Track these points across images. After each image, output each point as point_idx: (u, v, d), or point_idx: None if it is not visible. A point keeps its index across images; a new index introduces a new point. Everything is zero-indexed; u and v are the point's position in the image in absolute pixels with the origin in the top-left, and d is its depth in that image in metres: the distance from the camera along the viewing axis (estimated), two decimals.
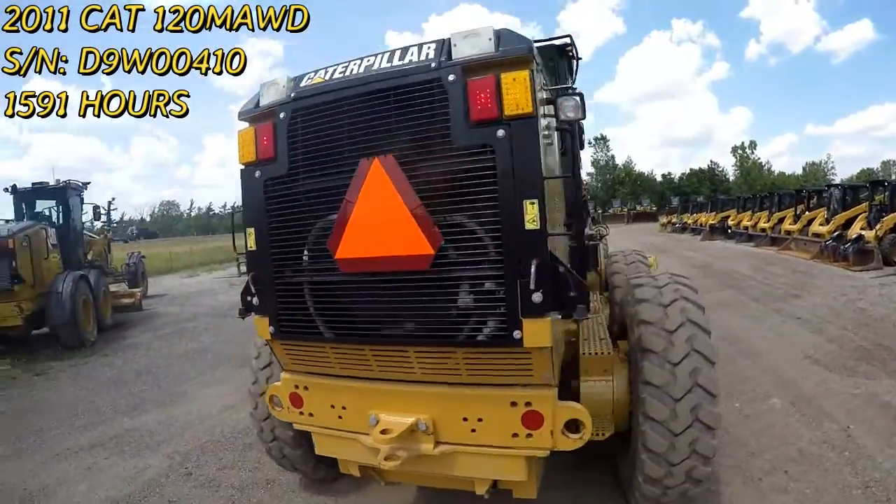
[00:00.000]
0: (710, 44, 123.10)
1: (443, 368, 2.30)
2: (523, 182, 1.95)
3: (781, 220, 18.72)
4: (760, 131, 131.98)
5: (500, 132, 1.96)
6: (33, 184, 11.57)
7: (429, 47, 2.15)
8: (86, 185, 12.46)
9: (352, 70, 2.30)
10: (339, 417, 2.65)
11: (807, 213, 17.25)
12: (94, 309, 10.78)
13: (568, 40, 5.13)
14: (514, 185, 1.96)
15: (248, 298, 2.71)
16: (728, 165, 78.00)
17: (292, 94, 2.43)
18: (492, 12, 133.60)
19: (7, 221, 10.51)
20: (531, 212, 1.93)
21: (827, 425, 4.18)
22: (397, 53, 2.22)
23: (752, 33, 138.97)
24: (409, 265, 2.13)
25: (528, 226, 1.94)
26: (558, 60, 5.19)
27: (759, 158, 77.84)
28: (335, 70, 2.37)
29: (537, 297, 1.95)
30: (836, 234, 14.09)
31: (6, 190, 11.19)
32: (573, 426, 2.24)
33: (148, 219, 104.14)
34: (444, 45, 2.11)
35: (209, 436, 5.20)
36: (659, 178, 76.76)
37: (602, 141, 78.76)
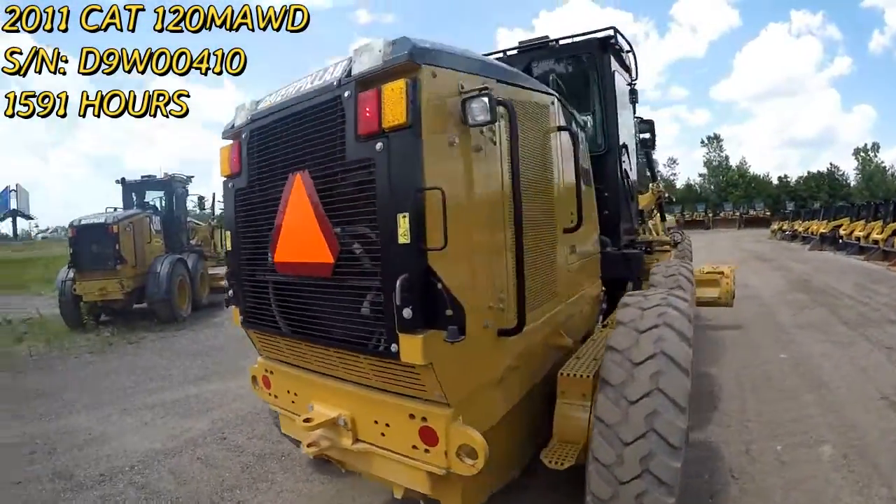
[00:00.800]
0: (830, 36, 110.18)
1: (357, 370, 2.37)
2: (397, 195, 1.91)
3: None
4: (886, 132, 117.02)
5: (379, 145, 1.94)
6: (142, 176, 13.19)
7: (340, 65, 2.19)
8: (190, 178, 13.92)
9: (289, 93, 2.46)
10: (293, 402, 2.87)
11: None
12: (191, 289, 11.99)
13: (611, 32, 4.93)
14: (390, 199, 1.93)
15: (229, 291, 3.03)
16: (849, 169, 69.48)
17: (249, 117, 2.68)
18: (603, 7, 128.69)
19: (115, 209, 11.99)
20: (403, 225, 1.88)
21: (876, 489, 3.44)
22: (319, 73, 2.31)
23: (876, 24, 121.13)
24: (317, 272, 2.27)
25: (401, 240, 1.90)
26: (600, 56, 4.90)
27: (882, 162, 68.48)
28: (279, 93, 2.56)
29: (407, 312, 1.89)
30: None
31: (117, 182, 12.81)
32: (470, 451, 2.13)
33: None
34: (349, 63, 2.13)
35: (252, 408, 5.63)
36: (775, 181, 69.85)
37: (715, 140, 73.69)
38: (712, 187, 69.99)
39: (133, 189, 12.95)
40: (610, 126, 4.99)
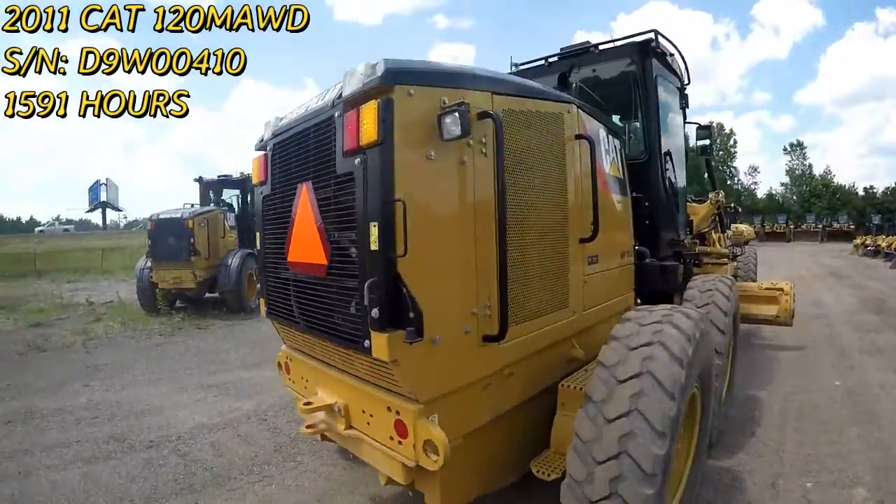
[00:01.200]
0: None
1: (351, 363, 2.54)
2: (370, 206, 2.04)
3: None
4: None
5: (357, 160, 2.08)
6: (218, 176, 14.11)
7: (337, 87, 2.35)
8: None
9: (299, 111, 2.68)
10: (305, 388, 3.12)
11: None
12: None
13: (651, 35, 4.75)
14: (365, 209, 2.06)
15: (258, 285, 3.29)
16: None
17: (272, 132, 2.94)
18: (681, 9, 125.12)
19: (193, 205, 12.89)
20: (374, 233, 2.01)
21: None
22: (323, 94, 2.51)
23: None
24: (315, 272, 2.47)
25: (372, 246, 2.02)
26: (641, 61, 4.73)
27: None
28: (296, 111, 2.78)
29: (375, 312, 2.02)
30: None
31: (195, 180, 13.75)
32: (434, 448, 2.21)
33: None
34: (341, 85, 2.28)
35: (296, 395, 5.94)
36: (861, 192, 64.29)
37: (798, 148, 68.88)
38: (795, 198, 65.72)
39: (211, 187, 13.89)
40: (651, 133, 4.80)
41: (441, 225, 2.21)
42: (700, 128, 6.19)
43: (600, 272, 3.55)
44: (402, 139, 2.02)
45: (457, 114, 2.04)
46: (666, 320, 2.63)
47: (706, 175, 8.13)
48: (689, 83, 5.72)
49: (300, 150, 2.61)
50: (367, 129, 2.00)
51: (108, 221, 64.75)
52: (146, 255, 11.60)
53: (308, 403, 2.72)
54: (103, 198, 61.04)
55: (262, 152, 3.06)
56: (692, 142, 6.40)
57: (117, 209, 62.34)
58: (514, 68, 5.54)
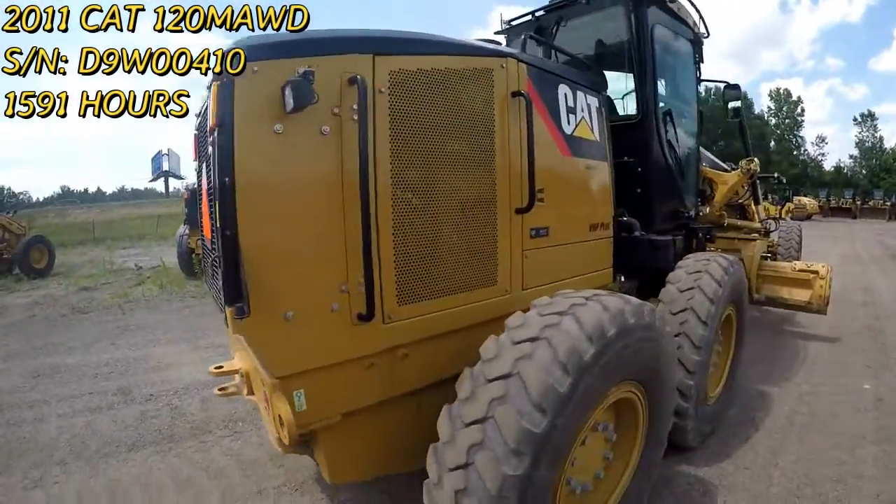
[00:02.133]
0: None
1: None
2: (216, 184, 1.97)
3: None
4: None
5: (211, 140, 2.00)
6: None
7: None
8: None
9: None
10: (236, 352, 3.13)
11: None
12: None
13: None
14: (214, 187, 2.00)
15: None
16: None
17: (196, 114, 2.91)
18: None
19: None
20: (217, 211, 1.96)
21: None
22: None
23: None
24: (209, 245, 2.46)
25: (217, 223, 1.97)
26: (634, 8, 4.13)
27: None
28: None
29: (221, 286, 2.00)
30: None
31: None
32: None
33: None
34: None
35: None
36: None
37: (869, 118, 64.08)
38: (863, 172, 61.25)
39: None
40: (646, 89, 4.19)
41: (291, 200, 2.10)
42: (728, 87, 5.64)
43: (553, 246, 3.19)
44: (242, 117, 1.95)
45: (290, 84, 1.94)
46: (571, 311, 2.20)
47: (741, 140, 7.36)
48: (707, 35, 5.11)
49: (201, 132, 2.62)
50: (211, 112, 1.97)
51: (171, 190, 68.24)
52: (183, 222, 12.34)
53: (219, 367, 2.82)
54: (165, 167, 64.32)
55: (195, 133, 3.07)
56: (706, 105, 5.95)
57: (179, 177, 65.55)
58: (503, 25, 5.15)
